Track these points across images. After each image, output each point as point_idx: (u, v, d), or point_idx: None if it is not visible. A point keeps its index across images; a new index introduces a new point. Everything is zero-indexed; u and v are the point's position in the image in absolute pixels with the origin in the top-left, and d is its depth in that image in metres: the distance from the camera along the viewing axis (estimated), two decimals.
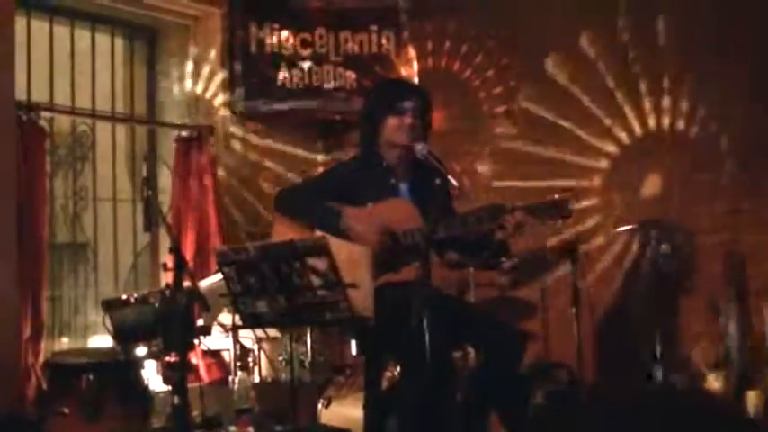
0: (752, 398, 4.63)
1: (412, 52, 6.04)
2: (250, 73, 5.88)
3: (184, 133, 5.75)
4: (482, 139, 5.96)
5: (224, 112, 5.93)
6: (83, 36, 5.66)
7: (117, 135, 5.81)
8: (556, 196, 3.41)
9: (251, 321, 3.38)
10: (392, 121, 3.64)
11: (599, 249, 5.52)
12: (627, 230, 5.26)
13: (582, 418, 3.28)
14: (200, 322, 4.39)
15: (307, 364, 4.33)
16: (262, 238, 3.64)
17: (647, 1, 5.50)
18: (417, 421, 3.32)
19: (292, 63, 5.93)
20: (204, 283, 4.41)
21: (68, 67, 5.53)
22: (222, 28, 5.88)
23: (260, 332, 4.59)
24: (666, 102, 5.43)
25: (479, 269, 4.99)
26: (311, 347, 4.36)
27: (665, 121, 5.42)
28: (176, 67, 5.99)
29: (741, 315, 4.93)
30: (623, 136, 5.57)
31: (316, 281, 3.14)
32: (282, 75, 5.92)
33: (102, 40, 5.77)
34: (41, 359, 4.72)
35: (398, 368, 4.10)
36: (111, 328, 4.14)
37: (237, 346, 4.75)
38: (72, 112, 5.51)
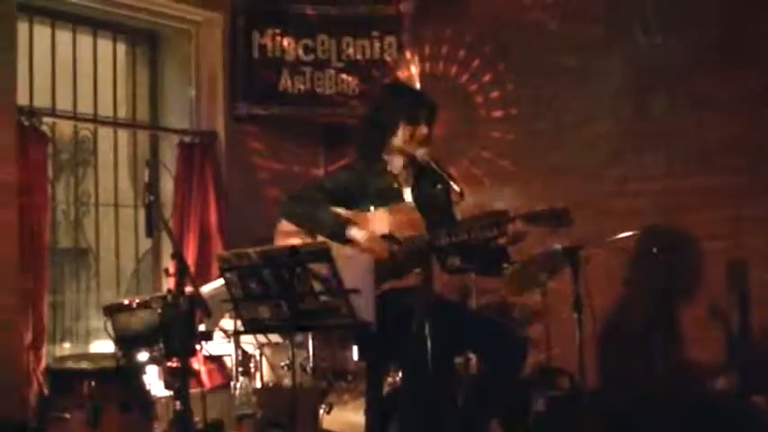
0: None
1: (413, 58, 6.04)
2: (252, 78, 5.89)
3: (186, 139, 5.75)
4: (479, 144, 5.96)
5: (226, 118, 5.94)
6: (85, 41, 5.66)
7: (119, 140, 5.82)
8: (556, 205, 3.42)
9: (253, 327, 3.39)
10: (406, 130, 3.64)
11: (600, 255, 5.50)
12: (628, 236, 5.24)
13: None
14: (201, 328, 4.39)
15: (308, 369, 4.33)
16: (264, 243, 3.63)
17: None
18: (418, 427, 3.33)
19: (294, 69, 5.94)
20: (206, 289, 4.40)
21: (70, 73, 5.53)
22: (224, 33, 5.89)
23: (262, 337, 4.60)
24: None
25: (480, 275, 4.98)
26: (313, 353, 4.36)
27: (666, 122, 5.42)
28: (178, 73, 6.00)
29: (743, 321, 4.92)
30: None
31: (317, 286, 3.14)
32: (284, 80, 5.92)
33: (104, 45, 5.77)
34: (43, 365, 4.72)
35: (400, 374, 4.10)
36: (112, 333, 4.14)
37: (239, 352, 4.74)
38: (74, 117, 5.52)
